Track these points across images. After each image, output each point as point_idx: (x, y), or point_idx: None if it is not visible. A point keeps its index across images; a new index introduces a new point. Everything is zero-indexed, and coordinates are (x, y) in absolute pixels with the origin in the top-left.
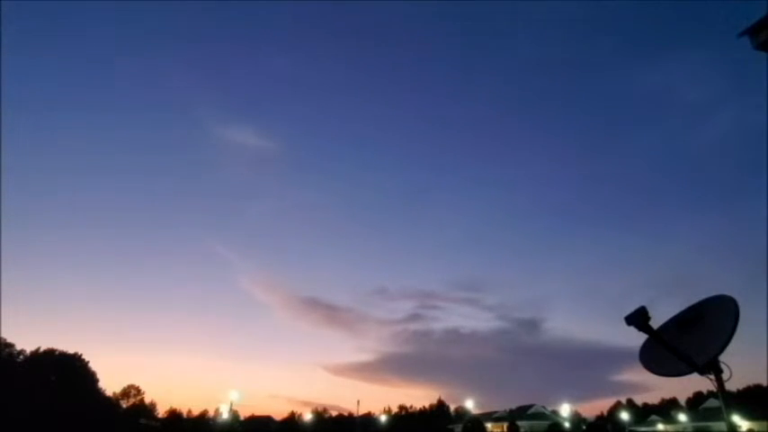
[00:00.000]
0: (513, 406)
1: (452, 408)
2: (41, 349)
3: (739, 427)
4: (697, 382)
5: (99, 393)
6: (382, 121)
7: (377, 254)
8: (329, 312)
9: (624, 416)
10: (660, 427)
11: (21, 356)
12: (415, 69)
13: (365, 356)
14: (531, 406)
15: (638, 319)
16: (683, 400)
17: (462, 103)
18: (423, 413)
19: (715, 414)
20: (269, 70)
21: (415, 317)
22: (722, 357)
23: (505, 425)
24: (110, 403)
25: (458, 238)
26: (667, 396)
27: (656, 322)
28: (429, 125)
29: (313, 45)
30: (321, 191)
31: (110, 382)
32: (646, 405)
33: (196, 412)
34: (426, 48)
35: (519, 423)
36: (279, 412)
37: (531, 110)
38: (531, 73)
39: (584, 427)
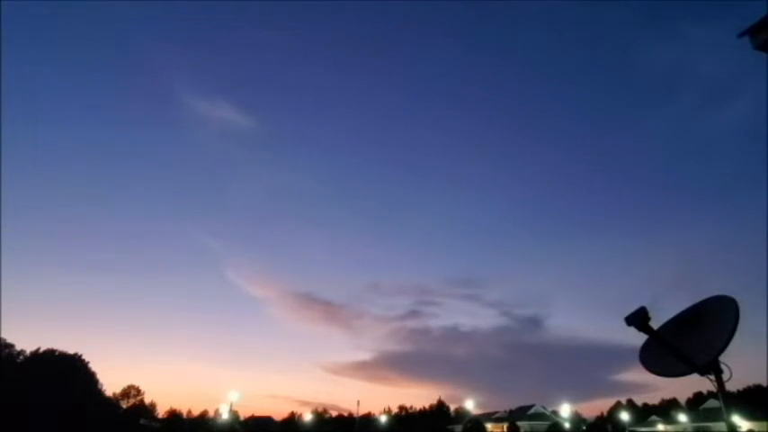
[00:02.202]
0: (514, 406)
1: (452, 408)
2: (41, 349)
3: (739, 427)
4: (697, 383)
5: (99, 394)
6: (377, 108)
7: (371, 247)
8: (326, 308)
9: (624, 416)
10: (660, 427)
11: (21, 357)
12: (413, 55)
13: (363, 355)
14: (531, 406)
15: (638, 319)
16: (683, 401)
17: (461, 90)
18: (423, 413)
19: (715, 414)
20: (258, 45)
21: (412, 313)
22: (722, 357)
23: (505, 425)
24: (110, 403)
25: (456, 231)
26: (667, 396)
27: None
28: (427, 114)
29: (305, 20)
30: (309, 177)
31: (110, 383)
32: (646, 405)
33: (196, 412)
34: (424, 32)
35: (519, 423)
36: (278, 412)
37: (531, 101)
38: (534, 66)
39: (584, 428)
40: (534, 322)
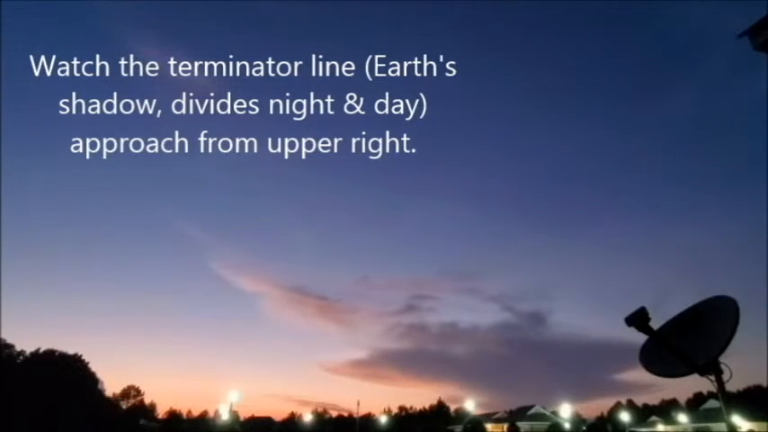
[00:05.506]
0: (514, 407)
1: (453, 408)
2: (41, 350)
3: (739, 427)
4: (697, 383)
5: (99, 394)
6: None
7: (362, 236)
8: (320, 303)
9: (624, 416)
10: (660, 427)
11: (21, 357)
12: (408, 37)
13: (361, 353)
14: (531, 407)
15: (638, 320)
16: (683, 401)
17: (459, 71)
18: (423, 414)
19: (715, 415)
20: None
21: (409, 308)
22: (722, 357)
23: (505, 426)
24: (110, 404)
25: (454, 221)
26: (667, 396)
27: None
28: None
29: None
30: (296, 160)
31: (110, 383)
32: (646, 405)
33: (196, 413)
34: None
35: (519, 424)
36: (278, 411)
37: (533, 80)
38: (535, 46)
39: (584, 428)
40: (536, 318)
